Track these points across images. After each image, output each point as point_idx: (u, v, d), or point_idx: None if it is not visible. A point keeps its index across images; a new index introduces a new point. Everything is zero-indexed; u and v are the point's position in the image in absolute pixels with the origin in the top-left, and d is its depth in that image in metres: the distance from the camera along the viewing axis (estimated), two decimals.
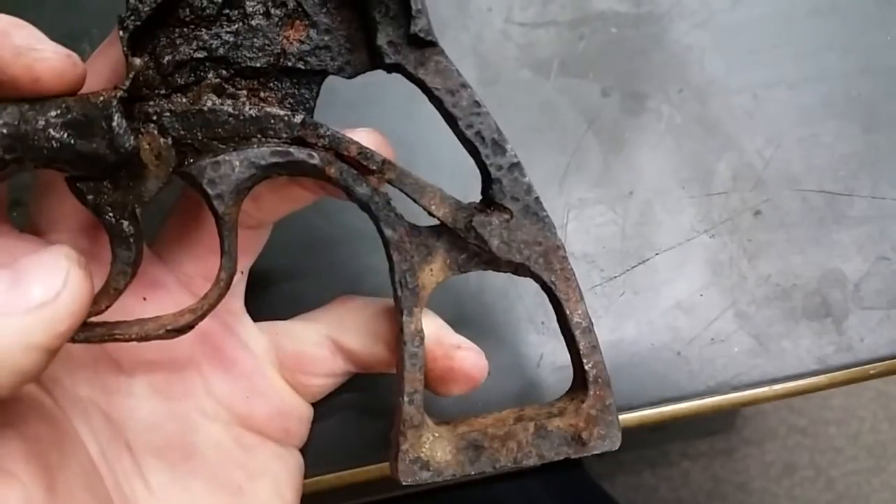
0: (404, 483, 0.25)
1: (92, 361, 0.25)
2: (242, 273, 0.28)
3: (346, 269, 0.34)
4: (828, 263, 0.35)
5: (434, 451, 0.25)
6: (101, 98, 0.22)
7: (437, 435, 0.25)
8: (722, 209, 0.35)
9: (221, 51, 0.23)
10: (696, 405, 0.34)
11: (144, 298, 0.26)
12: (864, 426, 1.15)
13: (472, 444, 0.26)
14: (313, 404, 0.30)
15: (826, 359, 0.34)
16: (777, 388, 0.34)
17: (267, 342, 0.28)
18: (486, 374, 0.27)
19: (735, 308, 0.35)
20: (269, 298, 0.33)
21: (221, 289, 0.24)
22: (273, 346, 0.28)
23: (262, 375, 0.28)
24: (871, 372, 0.35)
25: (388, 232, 0.25)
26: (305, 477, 0.30)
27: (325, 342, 0.28)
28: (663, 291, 0.35)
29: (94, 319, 0.23)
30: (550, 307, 0.27)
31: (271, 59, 0.24)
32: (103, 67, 0.24)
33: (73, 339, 0.22)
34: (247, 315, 0.29)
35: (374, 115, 0.35)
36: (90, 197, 0.23)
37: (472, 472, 0.26)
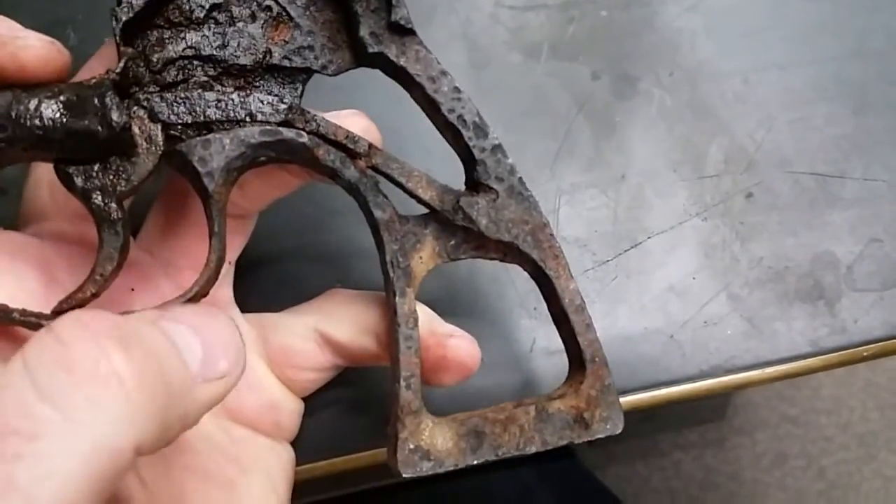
0: (405, 476, 0.24)
1: None
2: (230, 264, 0.28)
3: (336, 254, 0.33)
4: (820, 246, 0.35)
5: (434, 438, 0.25)
6: (94, 80, 0.23)
7: (435, 422, 0.25)
8: (714, 192, 0.35)
9: (209, 50, 0.24)
10: (690, 388, 0.34)
11: (132, 289, 0.26)
12: (855, 415, 1.16)
13: (472, 431, 0.25)
14: (304, 398, 0.30)
15: (819, 341, 0.34)
16: (770, 370, 0.34)
17: (255, 335, 0.28)
18: (479, 362, 0.26)
19: (728, 291, 0.34)
20: (258, 287, 0.32)
21: (212, 271, 0.24)
22: (260, 339, 0.28)
23: (251, 368, 0.27)
24: (865, 354, 0.35)
25: (377, 213, 0.25)
26: (298, 465, 0.30)
27: (312, 335, 0.28)
28: (656, 275, 0.34)
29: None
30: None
31: (257, 56, 0.24)
32: (98, 68, 0.24)
33: None
34: (235, 306, 0.28)
35: (364, 101, 0.34)
36: (78, 181, 0.23)
37: (475, 462, 0.25)
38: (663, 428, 1.12)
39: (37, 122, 0.22)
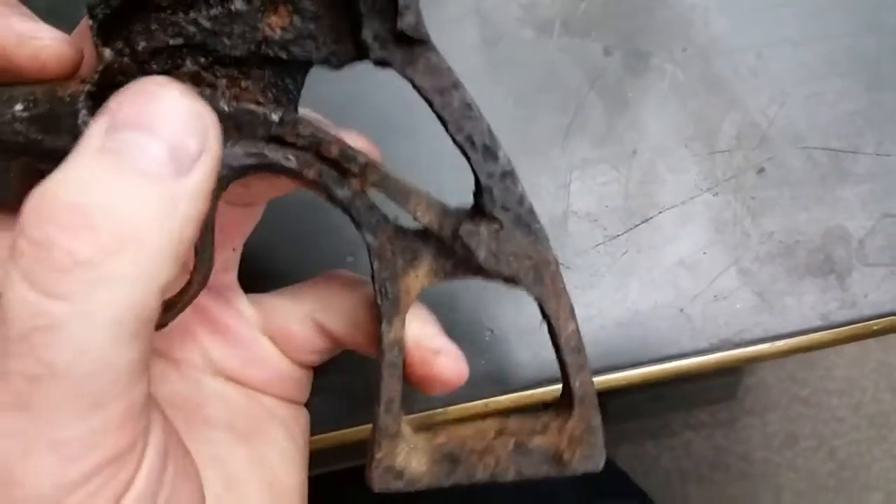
0: (377, 490, 0.25)
1: None
2: (235, 249, 0.28)
3: (341, 238, 0.34)
4: (831, 220, 0.35)
5: (409, 461, 0.25)
6: (69, 92, 0.21)
7: (412, 446, 0.25)
8: (725, 167, 0.35)
9: (199, 37, 0.22)
10: (699, 362, 0.34)
11: None
12: (866, 396, 1.16)
13: (448, 457, 0.25)
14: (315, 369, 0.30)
15: (829, 315, 0.35)
16: (780, 344, 0.34)
17: (257, 315, 0.28)
18: (466, 377, 0.26)
19: (738, 265, 0.35)
20: (263, 270, 0.33)
21: (195, 290, 0.23)
22: (262, 318, 0.29)
23: (258, 343, 0.28)
24: (875, 328, 0.35)
25: (368, 238, 0.24)
26: (311, 434, 0.30)
27: (308, 321, 0.28)
28: (666, 249, 0.35)
29: None
30: None
31: (252, 46, 0.22)
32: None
33: None
34: (239, 288, 0.29)
35: (372, 100, 0.34)
36: None
37: (448, 484, 0.25)
38: (674, 407, 1.12)
39: (12, 137, 0.21)
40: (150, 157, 0.18)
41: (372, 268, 0.24)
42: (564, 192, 0.35)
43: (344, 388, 0.33)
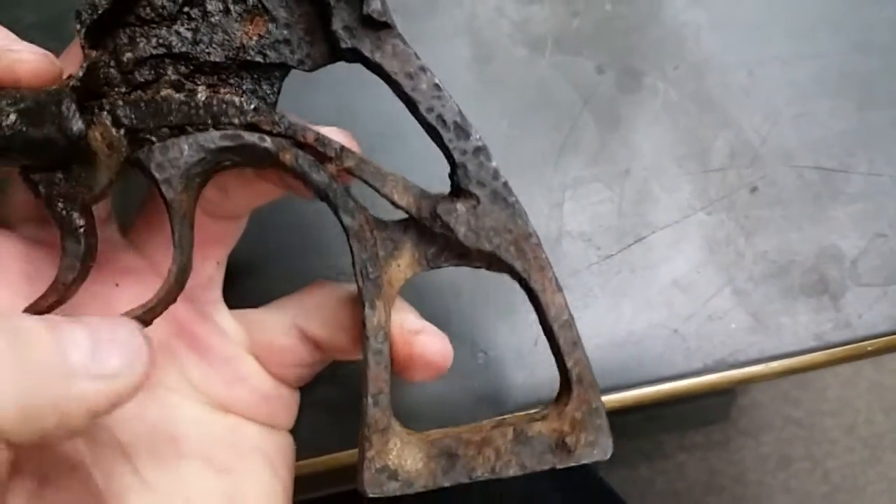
0: (370, 495, 0.23)
1: None
2: (219, 263, 0.28)
3: (329, 251, 0.33)
4: (825, 240, 0.35)
5: (403, 458, 0.24)
6: (55, 87, 0.22)
7: (405, 441, 0.24)
8: (719, 186, 0.35)
9: (181, 47, 0.23)
10: (694, 383, 0.34)
11: (117, 284, 0.26)
12: (860, 417, 1.16)
13: (445, 452, 0.24)
14: (302, 390, 0.29)
15: (824, 335, 0.34)
16: (775, 365, 0.34)
17: (242, 331, 0.28)
18: (451, 359, 0.25)
19: (732, 285, 0.34)
20: (249, 285, 0.32)
21: (171, 283, 0.23)
22: (247, 335, 0.28)
23: (243, 362, 0.27)
24: (869, 349, 0.35)
25: (346, 220, 0.24)
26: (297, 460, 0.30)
27: (292, 331, 0.28)
28: (660, 269, 0.34)
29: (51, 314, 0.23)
30: None
31: (230, 52, 0.24)
32: (74, 63, 0.24)
33: None
34: (224, 304, 0.28)
35: (345, 96, 0.34)
36: (42, 188, 0.23)
37: (446, 484, 0.24)
38: (667, 429, 1.12)
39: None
40: (78, 343, 0.20)
41: (352, 251, 0.24)
42: (558, 212, 0.34)
43: (330, 409, 0.33)
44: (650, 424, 1.09)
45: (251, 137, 0.23)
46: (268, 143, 0.23)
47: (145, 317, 0.23)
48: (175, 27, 0.23)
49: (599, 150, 0.35)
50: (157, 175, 0.23)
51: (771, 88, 0.36)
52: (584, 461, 0.24)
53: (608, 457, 0.25)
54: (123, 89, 0.23)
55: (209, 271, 0.27)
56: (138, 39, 0.23)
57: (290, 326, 0.28)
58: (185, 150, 0.23)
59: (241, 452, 0.27)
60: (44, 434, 0.19)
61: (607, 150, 0.35)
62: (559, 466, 0.24)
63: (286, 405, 0.29)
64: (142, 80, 0.23)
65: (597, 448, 0.25)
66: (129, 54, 0.23)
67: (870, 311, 0.35)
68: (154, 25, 0.23)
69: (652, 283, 0.34)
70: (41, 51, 0.22)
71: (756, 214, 0.35)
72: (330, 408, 0.32)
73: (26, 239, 0.25)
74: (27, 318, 0.20)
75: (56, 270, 0.23)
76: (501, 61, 0.35)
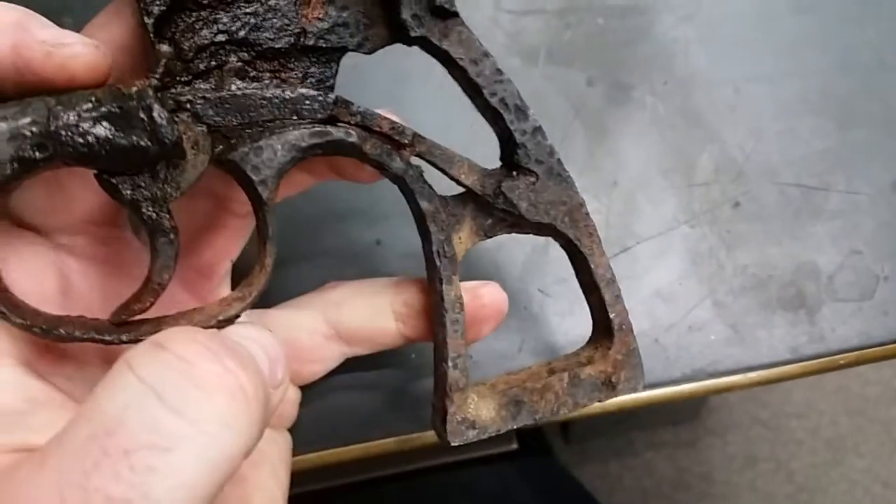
0: (453, 444, 0.26)
1: (101, 362, 0.25)
2: (230, 261, 0.28)
3: (335, 255, 0.34)
4: (803, 255, 0.36)
5: (479, 410, 0.26)
6: (135, 88, 0.21)
7: (480, 395, 0.27)
8: (703, 200, 0.36)
9: (242, 33, 0.23)
10: (672, 391, 0.35)
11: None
12: (824, 419, 1.18)
13: (513, 400, 0.27)
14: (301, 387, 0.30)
15: (799, 348, 0.35)
16: (752, 375, 0.35)
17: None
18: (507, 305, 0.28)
19: (713, 297, 0.35)
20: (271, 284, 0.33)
21: (267, 274, 0.24)
22: None
23: None
24: (841, 362, 0.36)
25: (423, 204, 0.25)
26: (293, 455, 0.30)
27: (319, 328, 0.28)
28: (644, 280, 0.35)
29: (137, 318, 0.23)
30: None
31: (292, 38, 0.23)
32: (104, 41, 0.22)
33: (119, 341, 0.22)
34: None
35: (359, 100, 0.34)
36: (126, 191, 0.22)
37: (515, 426, 0.27)
38: (638, 427, 1.13)
39: (80, 140, 0.20)
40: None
41: (426, 234, 0.26)
42: None
43: (322, 411, 0.33)
44: (621, 423, 1.10)
45: (338, 133, 0.24)
46: (353, 137, 0.24)
47: (243, 310, 0.24)
48: (233, 12, 0.23)
49: (588, 162, 0.36)
50: (253, 177, 0.23)
51: (756, 105, 0.37)
52: (623, 395, 0.28)
53: (640, 390, 0.29)
54: (185, 78, 0.22)
55: (222, 270, 0.27)
56: (197, 26, 0.22)
57: (317, 323, 0.28)
58: (279, 150, 0.23)
59: (253, 462, 0.27)
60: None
61: (596, 161, 0.36)
62: (604, 400, 0.28)
63: (290, 404, 0.29)
64: (203, 67, 0.23)
65: (633, 381, 0.28)
66: (189, 42, 0.22)
67: (843, 326, 0.36)
68: (212, 10, 0.22)
69: (635, 293, 0.35)
70: (93, 42, 0.20)
71: (738, 229, 0.36)
72: (335, 403, 0.33)
73: (58, 247, 0.24)
74: (234, 340, 0.20)
75: (85, 273, 0.23)
76: None
